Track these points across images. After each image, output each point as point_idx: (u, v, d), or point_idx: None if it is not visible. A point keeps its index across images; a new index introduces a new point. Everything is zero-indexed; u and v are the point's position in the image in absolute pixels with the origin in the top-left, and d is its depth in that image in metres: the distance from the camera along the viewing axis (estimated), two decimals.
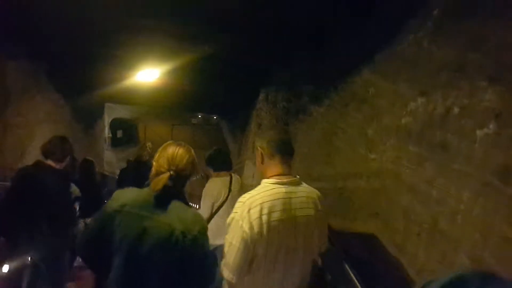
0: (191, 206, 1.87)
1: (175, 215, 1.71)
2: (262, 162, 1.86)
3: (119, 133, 18.01)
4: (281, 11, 3.53)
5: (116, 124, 16.77)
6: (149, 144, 7.97)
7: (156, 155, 1.91)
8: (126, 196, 1.77)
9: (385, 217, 2.64)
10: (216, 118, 23.81)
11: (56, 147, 2.92)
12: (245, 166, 8.11)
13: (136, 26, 5.12)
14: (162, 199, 1.75)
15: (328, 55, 3.92)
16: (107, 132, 14.37)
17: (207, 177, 3.69)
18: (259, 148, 1.88)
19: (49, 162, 2.85)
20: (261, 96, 6.48)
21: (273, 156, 1.82)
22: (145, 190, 1.80)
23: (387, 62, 2.85)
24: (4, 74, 5.35)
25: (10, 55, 5.37)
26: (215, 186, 3.31)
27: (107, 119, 14.22)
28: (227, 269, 1.72)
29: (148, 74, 7.21)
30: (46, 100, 7.03)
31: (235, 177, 3.44)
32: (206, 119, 24.69)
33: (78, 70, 7.22)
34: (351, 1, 3.18)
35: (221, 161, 3.48)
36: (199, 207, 3.44)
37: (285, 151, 1.84)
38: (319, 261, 2.37)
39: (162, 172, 1.80)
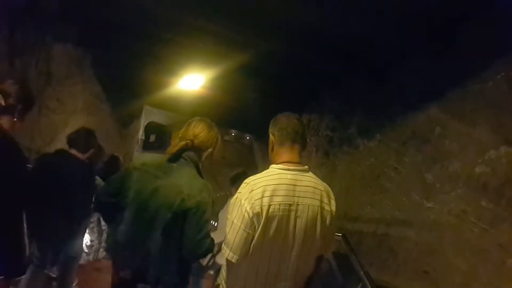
0: (203, 177, 1.92)
1: (185, 180, 1.83)
2: (273, 149, 1.86)
3: (152, 137, 18.13)
4: (345, 28, 3.23)
5: (151, 128, 16.88)
6: None
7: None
8: (146, 158, 1.99)
9: (437, 279, 2.21)
10: (249, 138, 23.71)
11: (81, 138, 2.94)
12: None
13: (187, 28, 4.98)
14: (173, 163, 1.88)
15: (388, 85, 3.57)
16: (140, 134, 14.41)
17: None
18: (270, 134, 1.87)
19: (73, 151, 2.86)
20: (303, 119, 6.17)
21: (283, 143, 1.80)
22: (165, 155, 1.93)
23: (463, 101, 2.48)
24: (49, 56, 5.33)
25: (59, 38, 5.34)
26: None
27: (143, 121, 14.28)
28: (228, 248, 1.71)
29: (192, 81, 7.08)
30: (87, 91, 7.01)
31: None
32: (239, 137, 24.62)
33: (124, 66, 7.19)
34: (427, 27, 2.83)
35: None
36: (217, 224, 3.46)
37: (295, 140, 1.81)
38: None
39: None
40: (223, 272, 1.87)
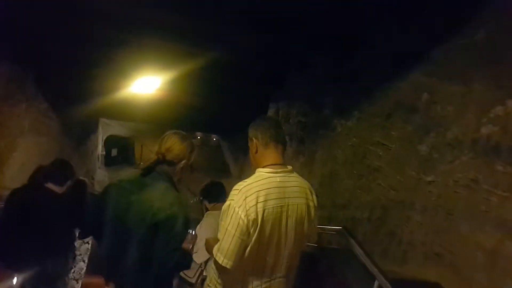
0: (178, 191, 1.96)
1: (158, 194, 1.86)
2: (256, 152, 1.88)
3: (114, 152, 17.31)
4: (297, 6, 2.94)
5: (111, 142, 16.08)
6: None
7: None
8: (123, 174, 2.07)
9: (455, 261, 1.96)
10: (215, 139, 23.24)
11: (57, 170, 2.85)
12: None
13: (136, 24, 4.58)
14: (147, 178, 1.92)
15: (359, 56, 3.30)
16: (100, 150, 13.66)
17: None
18: (253, 138, 1.90)
19: (50, 185, 2.74)
20: (270, 111, 5.86)
21: (267, 145, 1.85)
22: (139, 171, 1.98)
23: (450, 60, 2.23)
24: None
25: None
26: (213, 220, 3.07)
27: (101, 136, 13.53)
28: (221, 255, 1.74)
29: (147, 84, 6.62)
30: (33, 109, 6.37)
31: None
32: (205, 140, 24.10)
33: (70, 78, 6.61)
34: None
35: (216, 193, 3.37)
36: (194, 233, 3.20)
37: (279, 140, 1.88)
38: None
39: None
40: (214, 275, 1.89)
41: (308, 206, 1.84)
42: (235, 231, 1.69)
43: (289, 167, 1.83)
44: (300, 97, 4.39)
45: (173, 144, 1.97)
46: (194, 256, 1.91)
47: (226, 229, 1.72)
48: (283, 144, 1.89)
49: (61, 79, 6.60)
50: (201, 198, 3.37)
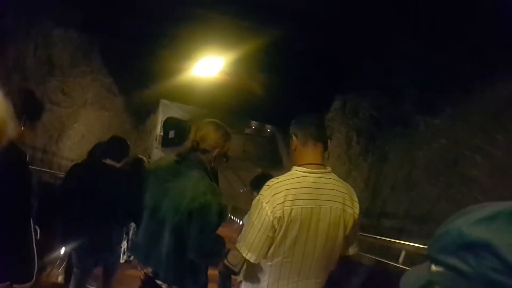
0: (212, 179, 1.95)
1: (191, 182, 1.87)
2: (295, 150, 1.83)
3: (171, 133, 17.65)
4: None
5: (169, 124, 16.39)
6: None
7: None
8: (161, 160, 2.10)
9: None
10: (270, 130, 23.02)
11: (114, 147, 2.99)
12: None
13: (204, 7, 4.40)
14: (181, 166, 1.94)
15: (457, 41, 2.76)
16: (159, 130, 13.91)
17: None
18: (292, 135, 1.84)
19: (108, 161, 2.89)
20: (336, 103, 5.42)
21: (306, 143, 1.79)
22: (175, 158, 1.98)
23: None
24: (49, 42, 4.74)
25: (58, 21, 4.75)
26: None
27: (161, 117, 13.77)
28: (246, 248, 1.76)
29: (209, 66, 6.43)
30: (97, 82, 6.43)
31: None
32: (260, 130, 23.97)
33: (136, 54, 6.60)
34: None
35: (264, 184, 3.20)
36: (242, 223, 3.63)
37: (319, 139, 1.80)
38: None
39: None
40: (245, 268, 1.89)
41: (344, 212, 1.75)
42: (261, 226, 1.70)
43: (328, 168, 1.76)
44: (373, 88, 3.91)
45: (208, 132, 1.99)
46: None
47: (253, 223, 1.75)
48: (324, 143, 1.81)
49: (126, 54, 6.59)
50: (250, 188, 3.41)
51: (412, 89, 3.21)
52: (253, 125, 23.06)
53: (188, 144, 1.99)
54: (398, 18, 3.34)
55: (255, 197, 3.21)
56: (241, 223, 7.99)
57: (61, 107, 5.21)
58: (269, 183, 1.75)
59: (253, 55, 5.61)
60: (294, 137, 1.82)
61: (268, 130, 22.63)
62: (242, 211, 9.29)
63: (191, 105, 13.07)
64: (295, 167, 1.76)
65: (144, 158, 5.46)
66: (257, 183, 3.24)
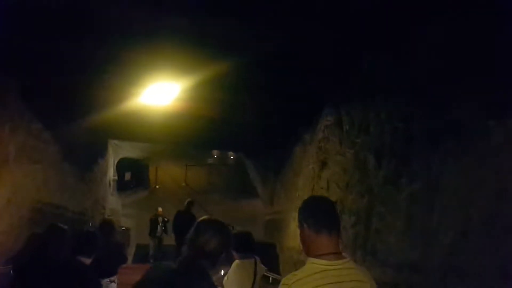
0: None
1: None
2: (307, 239, 1.68)
3: (128, 175, 16.08)
4: None
5: (123, 165, 14.81)
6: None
7: None
8: (149, 272, 1.83)
9: None
10: (233, 157, 21.86)
11: (85, 244, 2.89)
12: (288, 220, 5.90)
13: (148, 26, 3.42)
14: (185, 276, 1.72)
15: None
16: (112, 174, 12.36)
17: None
18: (303, 223, 1.68)
19: (80, 257, 2.77)
20: (326, 120, 4.43)
21: (319, 232, 1.65)
22: (173, 265, 1.79)
23: None
24: None
25: None
26: (242, 272, 3.17)
27: (112, 159, 12.25)
28: None
29: (162, 94, 5.29)
30: (20, 131, 5.06)
31: (259, 263, 3.33)
32: (222, 159, 22.77)
33: (69, 89, 5.32)
34: None
35: (246, 245, 3.31)
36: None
37: (332, 226, 1.67)
38: None
39: None
40: None
41: None
42: None
43: (347, 258, 1.65)
44: (396, 87, 2.91)
45: (213, 236, 1.77)
46: None
47: None
48: (338, 229, 1.71)
49: (58, 91, 5.27)
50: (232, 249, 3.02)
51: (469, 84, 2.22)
52: (215, 153, 21.86)
53: (189, 250, 1.77)
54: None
55: (235, 258, 3.17)
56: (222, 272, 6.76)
57: None
58: (286, 281, 1.64)
59: (214, 77, 4.61)
60: (305, 225, 1.69)
61: (231, 158, 21.51)
62: None
63: (145, 142, 11.72)
64: (312, 260, 1.65)
65: (112, 220, 5.38)
66: (237, 243, 3.03)
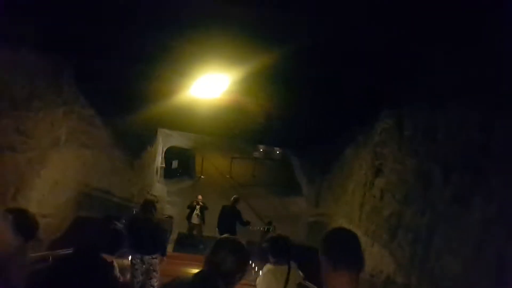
0: None
1: None
2: (327, 273, 1.62)
3: (175, 164, 16.37)
4: None
5: (171, 154, 15.07)
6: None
7: None
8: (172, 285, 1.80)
9: None
10: (279, 152, 21.60)
11: (106, 239, 2.81)
12: (334, 226, 5.58)
13: (199, 14, 3.26)
14: None
15: None
16: (160, 162, 12.58)
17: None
18: (323, 256, 1.62)
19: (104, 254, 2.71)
20: (383, 123, 4.06)
21: (337, 268, 1.58)
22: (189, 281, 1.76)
23: None
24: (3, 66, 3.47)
25: (17, 39, 3.52)
26: (271, 278, 3.08)
27: (161, 147, 12.46)
28: None
29: (212, 86, 5.14)
30: (73, 115, 5.14)
31: (294, 269, 3.13)
32: (268, 152, 22.59)
33: (122, 77, 5.33)
34: None
35: (281, 250, 3.19)
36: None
37: (353, 265, 1.59)
38: None
39: None
40: None
41: None
42: None
43: None
44: (474, 90, 2.50)
45: (228, 255, 1.75)
46: None
47: None
48: (359, 266, 1.60)
49: (111, 78, 5.30)
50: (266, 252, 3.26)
51: None
52: (261, 147, 21.71)
53: (206, 267, 1.75)
54: None
55: (270, 261, 3.16)
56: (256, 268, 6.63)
57: (17, 151, 3.87)
58: None
59: (264, 70, 4.38)
60: (324, 257, 1.62)
61: (277, 152, 21.27)
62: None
63: (193, 133, 11.78)
64: None
65: (153, 201, 5.75)
66: (272, 247, 3.15)
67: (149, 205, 5.31)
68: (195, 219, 10.71)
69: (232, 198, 8.40)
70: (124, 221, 5.22)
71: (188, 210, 10.84)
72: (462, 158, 2.50)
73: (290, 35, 3.65)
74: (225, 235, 2.00)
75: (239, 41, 3.88)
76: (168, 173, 15.13)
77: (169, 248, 8.70)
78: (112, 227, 2.91)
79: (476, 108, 2.47)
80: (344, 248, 1.62)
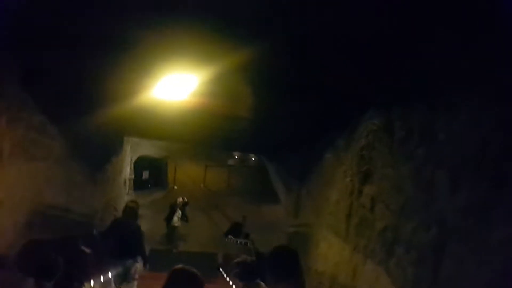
0: None
1: None
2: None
3: (145, 174, 15.62)
4: None
5: (141, 164, 14.34)
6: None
7: None
8: None
9: None
10: (254, 159, 21.15)
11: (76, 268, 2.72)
12: (317, 239, 5.14)
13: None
14: None
15: None
16: (128, 173, 11.86)
17: None
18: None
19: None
20: (370, 124, 3.67)
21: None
22: None
23: None
24: None
25: None
26: None
27: (129, 157, 11.76)
28: None
29: (179, 87, 4.66)
30: (20, 124, 4.50)
31: None
32: (243, 160, 22.09)
33: (78, 79, 4.75)
34: None
35: (248, 274, 3.31)
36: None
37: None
38: None
39: None
40: None
41: None
42: None
43: None
44: (484, 83, 2.11)
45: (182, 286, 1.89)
46: None
47: None
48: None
49: (66, 78, 4.70)
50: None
51: None
52: (236, 154, 21.21)
53: None
54: None
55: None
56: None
57: None
58: None
59: (237, 69, 3.96)
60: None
61: (253, 159, 20.81)
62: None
63: (163, 140, 11.20)
64: None
65: (136, 204, 6.19)
66: (244, 271, 3.28)
67: (131, 211, 5.68)
68: (175, 221, 10.76)
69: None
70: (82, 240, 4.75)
71: (167, 211, 10.94)
72: (476, 162, 2.09)
73: (265, 31, 3.24)
74: (180, 265, 2.01)
75: (209, 34, 3.43)
76: (139, 185, 14.39)
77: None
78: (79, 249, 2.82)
79: (487, 106, 2.07)
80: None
